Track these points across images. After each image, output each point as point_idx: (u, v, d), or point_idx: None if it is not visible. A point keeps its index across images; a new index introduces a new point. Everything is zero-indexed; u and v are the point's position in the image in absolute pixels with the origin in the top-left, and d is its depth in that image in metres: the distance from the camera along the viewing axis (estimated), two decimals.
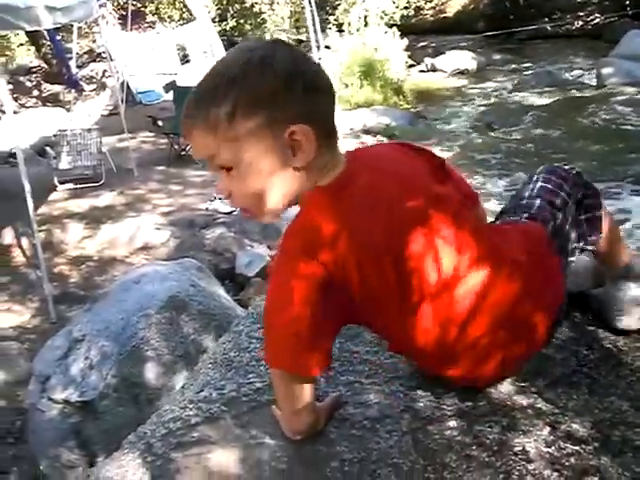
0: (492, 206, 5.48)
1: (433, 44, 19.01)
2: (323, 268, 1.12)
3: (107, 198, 8.46)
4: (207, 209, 7.89)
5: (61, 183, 8.81)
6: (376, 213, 1.16)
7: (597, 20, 18.08)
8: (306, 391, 1.21)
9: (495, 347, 1.27)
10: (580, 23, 18.65)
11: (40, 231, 6.62)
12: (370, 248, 1.15)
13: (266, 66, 1.11)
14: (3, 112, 8.17)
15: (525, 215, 1.41)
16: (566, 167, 1.51)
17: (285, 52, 1.15)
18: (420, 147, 1.35)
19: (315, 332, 1.13)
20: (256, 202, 1.17)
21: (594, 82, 12.80)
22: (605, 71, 12.42)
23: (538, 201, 1.43)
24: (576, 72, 14.60)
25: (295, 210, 1.20)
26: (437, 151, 1.47)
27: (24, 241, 7.35)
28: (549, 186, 1.44)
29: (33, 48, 18.68)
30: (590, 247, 1.49)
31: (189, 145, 1.23)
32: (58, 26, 8.44)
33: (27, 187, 6.02)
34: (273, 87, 1.10)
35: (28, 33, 15.35)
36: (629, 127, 9.70)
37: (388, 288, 1.17)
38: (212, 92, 1.12)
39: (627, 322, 1.54)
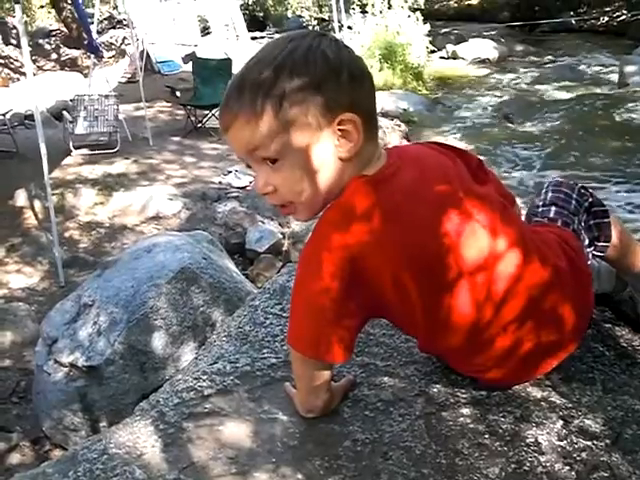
0: None
1: (456, 31, 18.86)
2: (353, 250, 1.10)
3: (121, 166, 8.47)
4: (220, 183, 7.90)
5: (76, 148, 8.82)
6: (418, 212, 1.15)
7: (623, 17, 17.89)
8: (324, 373, 1.22)
9: (534, 350, 1.26)
10: (605, 19, 18.47)
11: (53, 195, 6.63)
12: (407, 247, 1.13)
13: (314, 55, 1.09)
14: (23, 74, 8.16)
15: (545, 221, 1.43)
16: (570, 181, 1.53)
17: (330, 42, 1.13)
18: (458, 148, 1.35)
19: (340, 310, 1.13)
20: (302, 195, 1.14)
21: (616, 80, 12.69)
22: (628, 69, 12.33)
23: (553, 208, 1.45)
24: (598, 69, 14.49)
25: None
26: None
27: (37, 204, 7.37)
28: (560, 195, 1.47)
29: (54, 11, 18.66)
30: (600, 253, 1.49)
31: (226, 137, 1.16)
32: None
33: (43, 150, 6.01)
34: (322, 75, 1.08)
35: None
36: None
37: (420, 282, 1.15)
38: (257, 81, 1.09)
39: None
